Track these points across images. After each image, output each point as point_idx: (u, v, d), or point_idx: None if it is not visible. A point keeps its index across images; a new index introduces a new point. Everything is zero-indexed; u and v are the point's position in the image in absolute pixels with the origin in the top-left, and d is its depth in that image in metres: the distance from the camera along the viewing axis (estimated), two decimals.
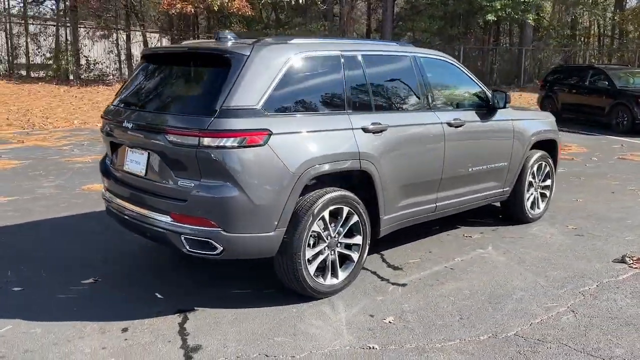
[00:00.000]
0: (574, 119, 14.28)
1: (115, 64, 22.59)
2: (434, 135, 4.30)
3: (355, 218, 3.76)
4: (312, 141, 3.46)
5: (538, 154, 5.46)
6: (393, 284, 3.98)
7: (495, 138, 4.96)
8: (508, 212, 5.54)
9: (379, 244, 4.68)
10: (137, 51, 21.52)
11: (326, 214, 3.56)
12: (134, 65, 21.01)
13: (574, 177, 7.85)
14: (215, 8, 17.20)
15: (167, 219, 3.33)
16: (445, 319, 3.43)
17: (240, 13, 18.44)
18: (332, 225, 3.66)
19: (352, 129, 3.69)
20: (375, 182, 3.83)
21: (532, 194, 5.51)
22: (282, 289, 3.68)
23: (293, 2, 20.21)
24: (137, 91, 3.80)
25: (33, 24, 23.07)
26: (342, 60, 3.81)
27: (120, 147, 3.79)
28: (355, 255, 3.83)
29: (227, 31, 3.79)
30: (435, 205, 4.49)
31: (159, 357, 2.92)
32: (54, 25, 22.48)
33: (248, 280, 3.97)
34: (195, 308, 3.50)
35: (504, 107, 4.85)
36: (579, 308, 3.61)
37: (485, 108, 4.85)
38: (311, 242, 3.56)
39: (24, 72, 21.44)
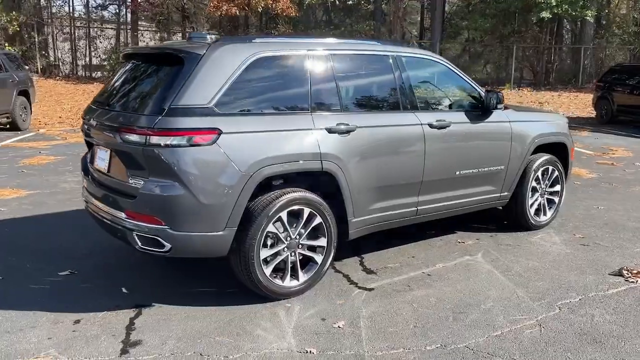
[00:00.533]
0: (630, 122, 13.46)
1: None
2: (412, 136, 4.16)
3: (318, 219, 3.70)
4: (266, 141, 3.43)
5: (544, 157, 5.17)
6: (360, 287, 3.88)
7: (489, 140, 4.74)
8: (510, 218, 5.29)
9: (361, 247, 4.61)
10: None
11: (284, 214, 3.52)
12: None
13: (605, 184, 7.38)
14: (259, 9, 17.43)
15: (122, 215, 3.41)
16: (398, 327, 3.31)
17: (284, 14, 18.62)
18: (293, 226, 3.61)
19: (314, 129, 3.62)
20: (341, 183, 3.75)
21: (536, 199, 5.23)
22: (245, 288, 3.67)
23: (337, 2, 20.16)
24: (109, 90, 3.91)
25: (97, 27, 24.35)
26: (309, 60, 3.75)
27: (93, 146, 3.92)
28: (319, 258, 3.76)
29: (205, 32, 3.83)
30: (416, 208, 4.34)
31: (97, 350, 2.98)
32: (114, 29, 23.66)
33: (217, 278, 3.99)
34: (153, 304, 3.56)
35: (496, 107, 4.62)
36: (549, 322, 3.39)
37: (478, 109, 4.65)
38: (269, 243, 3.54)
39: (83, 73, 22.67)
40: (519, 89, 22.75)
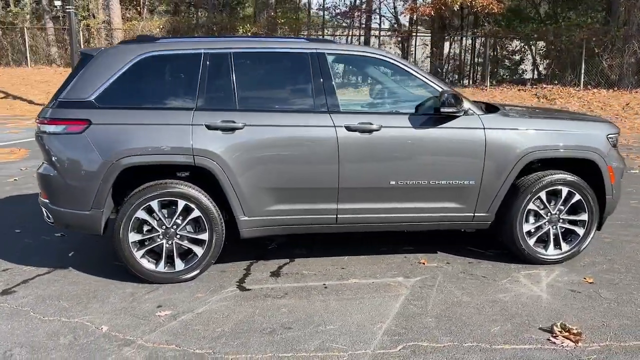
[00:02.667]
0: None
1: None
2: (321, 139, 3.87)
3: (196, 213, 3.81)
4: (134, 133, 3.69)
5: (554, 176, 4.15)
6: (239, 286, 3.85)
7: (446, 148, 4.03)
8: (503, 244, 4.39)
9: (312, 250, 4.49)
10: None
11: (155, 204, 3.75)
12: None
13: None
14: (455, 8, 16.80)
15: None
16: (208, 327, 3.24)
17: (486, 11, 17.49)
18: (169, 216, 3.81)
19: (191, 125, 3.74)
20: (220, 180, 3.78)
21: (540, 227, 4.22)
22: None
23: None
24: None
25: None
26: (203, 58, 3.86)
27: None
28: (199, 250, 3.87)
29: (152, 35, 4.27)
30: (335, 216, 4.02)
31: None
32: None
33: None
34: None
35: (452, 111, 3.91)
36: None
37: (432, 113, 4.01)
38: (144, 229, 3.81)
39: None
40: None
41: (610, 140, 4.28)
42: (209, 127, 3.76)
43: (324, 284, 3.90)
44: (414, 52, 22.59)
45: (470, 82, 20.94)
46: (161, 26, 23.56)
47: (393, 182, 4.01)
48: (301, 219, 4.01)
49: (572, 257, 4.32)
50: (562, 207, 4.24)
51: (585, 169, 4.25)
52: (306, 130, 3.88)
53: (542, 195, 4.18)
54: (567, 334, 3.12)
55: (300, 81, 4.02)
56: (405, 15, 19.92)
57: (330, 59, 4.01)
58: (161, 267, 3.86)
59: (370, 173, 3.98)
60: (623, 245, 4.75)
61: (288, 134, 3.87)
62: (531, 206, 4.18)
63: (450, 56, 22.20)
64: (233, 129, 3.78)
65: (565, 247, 4.29)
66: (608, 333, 3.19)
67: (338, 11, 28.83)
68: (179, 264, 3.87)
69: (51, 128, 3.73)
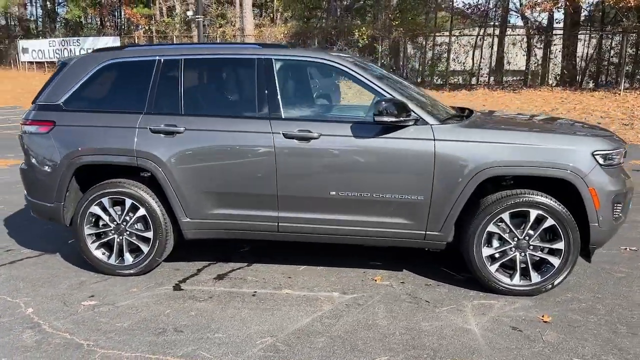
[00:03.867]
0: None
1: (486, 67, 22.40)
2: (257, 145, 3.85)
3: (142, 211, 4.04)
4: (89, 134, 4.02)
5: (520, 197, 3.65)
6: (175, 284, 3.99)
7: (391, 161, 3.74)
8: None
9: (262, 257, 4.51)
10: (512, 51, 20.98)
11: (106, 201, 4.05)
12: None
13: None
14: (582, 4, 15.16)
15: None
16: (114, 320, 3.43)
17: (620, 5, 15.47)
18: (120, 214, 4.09)
19: (137, 128, 3.96)
20: (160, 181, 3.95)
21: (504, 252, 3.75)
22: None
23: None
24: None
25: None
26: (157, 65, 4.06)
27: None
28: (145, 247, 4.09)
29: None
30: (277, 224, 3.97)
31: None
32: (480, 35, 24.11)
33: None
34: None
35: (391, 120, 3.62)
36: None
37: (373, 122, 3.73)
38: (100, 224, 4.14)
39: (440, 81, 23.67)
40: None
41: (597, 157, 3.63)
42: (152, 131, 3.95)
43: (254, 292, 3.88)
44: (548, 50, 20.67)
45: (602, 84, 18.70)
46: (285, 32, 24.64)
47: (333, 193, 3.84)
48: (243, 224, 4.03)
49: (544, 290, 3.75)
50: (531, 232, 3.70)
51: (570, 191, 3.67)
52: (244, 136, 3.89)
53: (505, 217, 3.69)
54: None
55: (245, 87, 4.04)
56: (532, 12, 18.26)
57: (278, 65, 3.97)
58: (112, 260, 4.15)
59: (310, 182, 3.86)
60: (620, 282, 4.00)
61: (227, 140, 3.91)
62: (492, 228, 3.72)
63: (582, 56, 20.02)
64: (174, 133, 3.93)
65: (535, 278, 3.74)
66: None
67: (470, 10, 27.53)
68: (129, 258, 4.13)
69: (27, 128, 4.21)
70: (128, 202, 4.04)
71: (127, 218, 4.08)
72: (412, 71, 23.57)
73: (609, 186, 3.63)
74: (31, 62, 33.25)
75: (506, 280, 3.78)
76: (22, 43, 33.95)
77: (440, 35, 23.44)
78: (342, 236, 3.98)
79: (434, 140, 3.70)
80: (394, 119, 3.63)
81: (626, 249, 4.72)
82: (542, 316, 3.47)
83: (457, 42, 22.75)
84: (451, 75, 22.10)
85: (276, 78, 3.93)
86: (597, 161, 3.63)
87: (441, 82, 21.80)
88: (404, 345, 3.12)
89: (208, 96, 4.21)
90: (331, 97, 4.24)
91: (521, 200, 3.65)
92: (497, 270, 3.79)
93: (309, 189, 3.88)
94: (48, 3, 40.51)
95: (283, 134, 3.82)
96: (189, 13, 20.39)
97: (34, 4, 42.97)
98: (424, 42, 22.85)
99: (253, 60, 3.99)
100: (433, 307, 3.63)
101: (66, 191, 4.11)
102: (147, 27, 32.37)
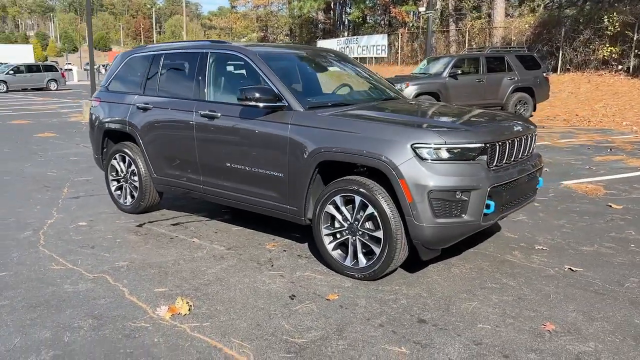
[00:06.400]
0: None
1: None
2: (184, 121, 4.89)
3: (133, 167, 5.53)
4: (109, 108, 5.72)
5: (345, 182, 3.87)
6: (136, 222, 5.34)
7: (257, 139, 4.35)
8: None
9: (230, 218, 5.51)
10: None
11: (117, 157, 5.67)
12: None
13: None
14: None
15: None
16: (71, 244, 5.02)
17: None
18: (127, 166, 5.67)
19: (130, 104, 5.45)
20: (138, 144, 5.37)
21: (340, 233, 3.98)
22: None
23: None
24: None
25: None
26: (151, 58, 5.44)
27: None
28: (134, 194, 5.59)
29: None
30: (201, 186, 4.95)
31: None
32: None
33: None
34: None
35: (246, 103, 4.21)
36: None
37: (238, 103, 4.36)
38: (115, 173, 5.81)
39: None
40: None
41: (417, 150, 3.52)
42: (137, 107, 5.39)
43: (176, 236, 4.95)
44: None
45: None
46: (531, 21, 23.12)
47: (229, 164, 4.62)
48: (181, 183, 5.14)
49: (375, 277, 3.81)
50: (358, 217, 3.82)
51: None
52: (179, 113, 4.98)
53: (338, 200, 3.90)
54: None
55: (190, 75, 5.07)
56: None
57: (211, 58, 4.90)
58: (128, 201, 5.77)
59: (215, 154, 4.73)
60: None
61: (170, 116, 5.07)
62: (329, 209, 3.97)
63: None
64: (145, 109, 5.28)
65: (362, 262, 3.85)
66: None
67: None
68: (129, 200, 5.68)
69: (94, 103, 6.13)
70: (125, 158, 5.58)
71: (129, 169, 5.63)
72: None
73: (425, 180, 3.49)
74: None
75: (340, 260, 3.98)
76: (320, 43, 39.54)
77: None
78: (237, 202, 4.71)
79: (290, 124, 4.13)
80: (253, 103, 4.20)
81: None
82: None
83: None
84: None
85: (207, 68, 4.88)
86: (417, 154, 3.53)
87: None
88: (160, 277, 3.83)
89: (172, 83, 5.35)
90: (238, 83, 4.82)
91: (348, 186, 3.82)
92: (334, 249, 4.01)
93: (214, 159, 4.75)
94: (338, 6, 46.05)
95: (201, 113, 4.77)
96: (421, 9, 20.97)
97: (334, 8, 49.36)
98: None
99: (197, 54, 5.04)
100: (267, 270, 4.12)
101: (102, 148, 5.90)
102: (411, 24, 34.20)
